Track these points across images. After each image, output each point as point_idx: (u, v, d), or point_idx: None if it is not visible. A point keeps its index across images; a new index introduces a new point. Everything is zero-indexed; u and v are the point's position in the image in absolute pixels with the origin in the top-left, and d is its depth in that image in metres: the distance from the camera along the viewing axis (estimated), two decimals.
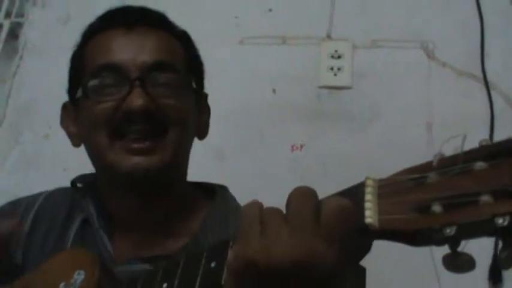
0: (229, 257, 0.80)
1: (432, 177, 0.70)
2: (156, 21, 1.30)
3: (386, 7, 2.26)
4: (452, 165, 0.69)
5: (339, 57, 2.23)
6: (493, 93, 2.10)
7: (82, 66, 1.28)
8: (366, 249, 0.80)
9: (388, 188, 0.74)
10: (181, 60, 1.30)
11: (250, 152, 2.18)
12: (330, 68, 2.22)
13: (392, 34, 2.22)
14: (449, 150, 0.72)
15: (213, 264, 0.87)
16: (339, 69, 2.22)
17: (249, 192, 2.10)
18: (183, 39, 1.34)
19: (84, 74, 1.26)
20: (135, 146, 1.20)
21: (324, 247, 0.72)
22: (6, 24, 2.52)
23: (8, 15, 2.53)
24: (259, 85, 2.24)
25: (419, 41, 2.20)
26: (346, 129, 2.16)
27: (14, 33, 2.51)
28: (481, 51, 2.15)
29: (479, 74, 2.13)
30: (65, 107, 1.35)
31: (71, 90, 1.32)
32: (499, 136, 2.08)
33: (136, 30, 1.26)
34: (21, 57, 2.46)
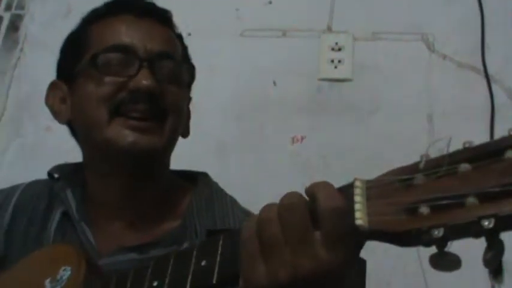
0: (241, 285, 0.82)
1: (419, 178, 0.72)
2: (162, 18, 1.34)
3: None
4: (438, 167, 0.71)
5: (340, 49, 2.23)
6: (493, 85, 2.10)
7: (85, 45, 1.30)
8: (360, 244, 0.81)
9: (376, 189, 0.75)
10: (180, 55, 1.34)
11: (251, 145, 2.18)
12: (330, 60, 2.22)
13: (393, 26, 2.23)
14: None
15: (203, 263, 0.89)
16: (339, 61, 2.22)
17: (250, 184, 2.12)
18: (182, 41, 1.39)
19: (87, 52, 1.27)
20: (135, 123, 1.22)
21: (327, 254, 0.76)
22: (7, 17, 2.52)
23: (8, 7, 2.53)
24: (260, 77, 2.24)
25: (420, 34, 2.20)
26: (347, 121, 2.16)
27: (14, 26, 2.50)
28: (482, 44, 2.15)
29: (480, 66, 2.13)
30: (53, 84, 1.36)
31: (67, 68, 1.32)
32: (500, 128, 2.09)
33: (145, 20, 1.30)
34: (21, 50, 2.46)
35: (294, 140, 2.16)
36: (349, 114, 2.17)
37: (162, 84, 1.24)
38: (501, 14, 2.18)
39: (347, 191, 0.78)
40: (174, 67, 1.29)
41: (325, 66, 2.22)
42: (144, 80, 1.21)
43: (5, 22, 2.51)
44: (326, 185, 0.79)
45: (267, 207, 0.80)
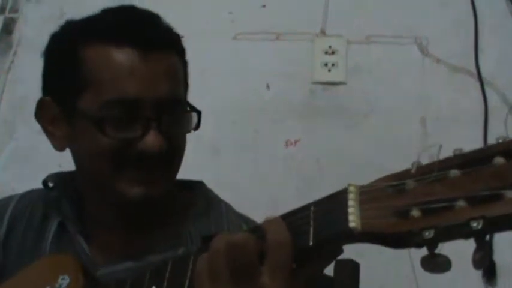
0: None
1: (410, 184, 0.75)
2: (168, 45, 1.24)
3: (380, 3, 2.27)
4: (429, 173, 0.74)
5: (333, 53, 2.23)
6: (487, 89, 2.10)
7: (78, 74, 1.21)
8: (336, 254, 0.86)
9: (369, 194, 0.78)
10: (183, 84, 1.27)
11: (244, 148, 2.18)
12: (324, 63, 2.22)
13: (387, 30, 2.23)
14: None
15: None
16: (333, 65, 2.22)
17: (244, 188, 2.12)
18: (183, 56, 1.30)
19: (83, 89, 1.20)
20: (144, 176, 1.18)
21: (269, 282, 0.82)
22: (0, 20, 2.52)
23: (2, 10, 2.52)
24: (253, 81, 2.24)
25: (414, 37, 2.21)
26: (341, 124, 2.16)
27: (8, 29, 2.50)
28: (475, 47, 2.16)
29: (474, 69, 2.14)
30: (42, 102, 1.31)
31: (62, 93, 1.27)
32: (493, 131, 2.09)
33: (150, 56, 1.19)
34: (15, 53, 2.46)
35: (287, 144, 2.16)
36: (343, 118, 2.17)
37: (171, 139, 1.19)
38: (494, 17, 2.19)
39: (340, 196, 0.80)
40: (181, 113, 1.23)
41: (318, 69, 2.22)
42: (152, 142, 1.16)
43: None
44: (276, 221, 0.86)
45: (218, 239, 0.86)
